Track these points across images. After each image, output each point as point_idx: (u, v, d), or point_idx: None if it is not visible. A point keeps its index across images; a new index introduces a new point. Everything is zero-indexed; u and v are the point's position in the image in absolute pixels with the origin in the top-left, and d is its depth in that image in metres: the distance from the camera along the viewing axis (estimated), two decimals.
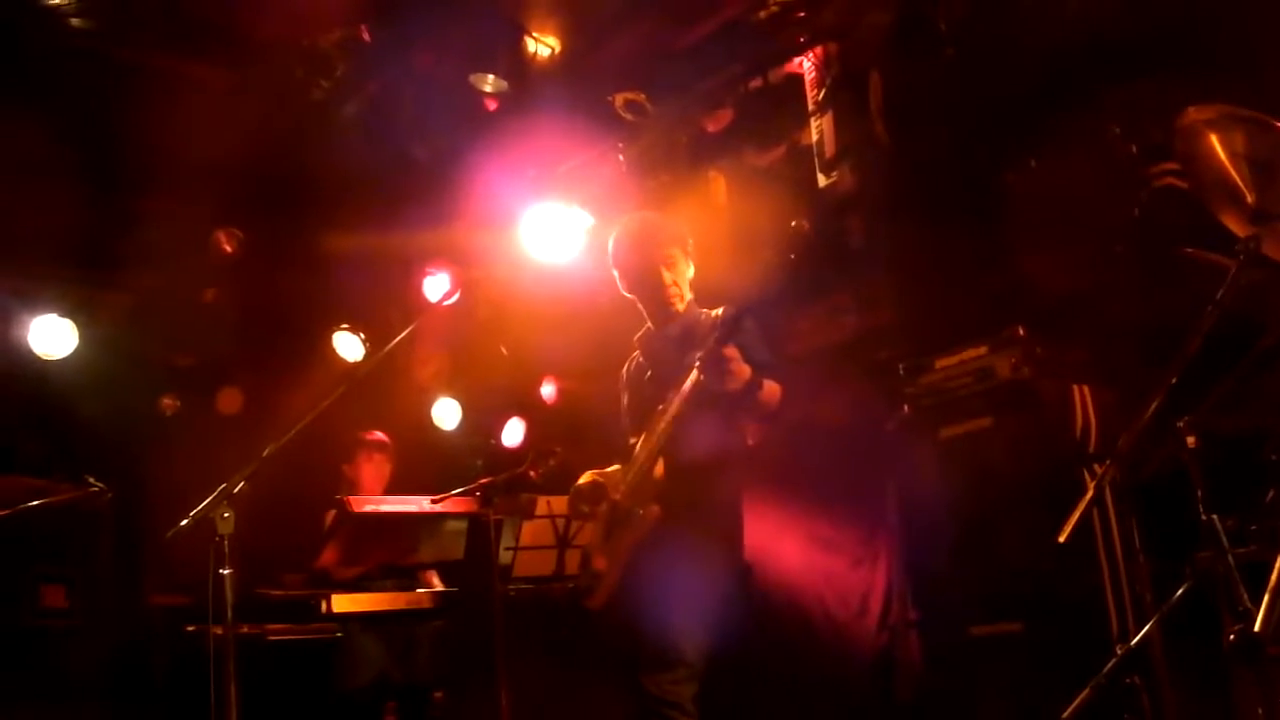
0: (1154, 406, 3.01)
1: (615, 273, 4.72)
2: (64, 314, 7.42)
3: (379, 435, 6.96)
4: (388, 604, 6.11)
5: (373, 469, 6.79)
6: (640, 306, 4.70)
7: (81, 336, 7.46)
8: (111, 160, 6.57)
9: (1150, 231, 4.96)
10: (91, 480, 5.48)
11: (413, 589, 6.31)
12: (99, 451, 6.98)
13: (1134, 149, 5.28)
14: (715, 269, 4.85)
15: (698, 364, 4.13)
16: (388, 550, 6.20)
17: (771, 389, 4.25)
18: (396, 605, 6.11)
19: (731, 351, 4.09)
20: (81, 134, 6.42)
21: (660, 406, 4.34)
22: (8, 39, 6.03)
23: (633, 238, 4.70)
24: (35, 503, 5.41)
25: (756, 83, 6.45)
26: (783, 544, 6.21)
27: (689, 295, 4.65)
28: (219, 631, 3.93)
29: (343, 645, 6.18)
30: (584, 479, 4.66)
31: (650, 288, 4.62)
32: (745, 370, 4.12)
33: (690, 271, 4.65)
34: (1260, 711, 3.13)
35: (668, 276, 4.57)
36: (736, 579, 4.41)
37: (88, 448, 7.01)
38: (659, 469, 4.30)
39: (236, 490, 3.98)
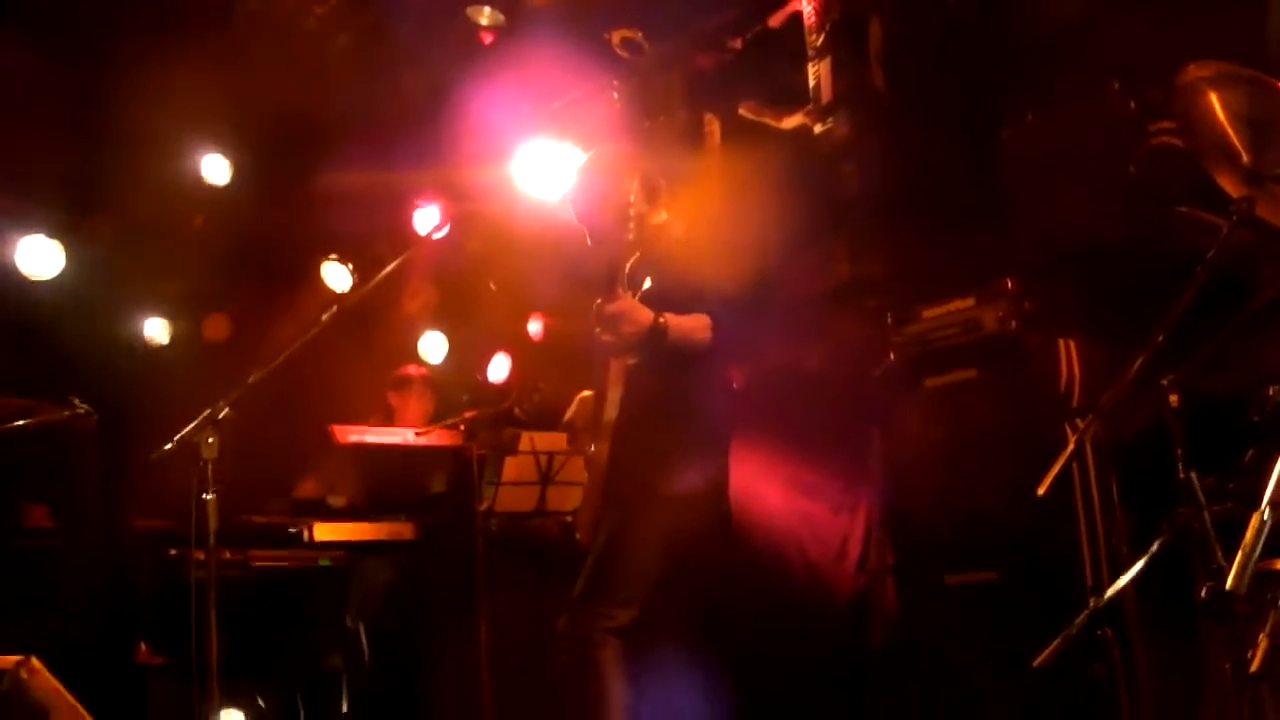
0: (1138, 364, 3.02)
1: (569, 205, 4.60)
2: (52, 235, 7.39)
3: (425, 370, 7.06)
4: (370, 534, 6.14)
5: (421, 404, 6.89)
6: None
7: (69, 258, 7.44)
8: (102, 86, 6.51)
9: (1145, 189, 4.96)
10: (77, 402, 5.47)
11: (397, 520, 6.34)
12: (85, 374, 6.97)
13: (1132, 105, 5.27)
14: (708, 214, 4.82)
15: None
16: (371, 481, 6.22)
17: (686, 326, 4.12)
18: (379, 536, 6.14)
19: (620, 305, 4.02)
20: (73, 59, 6.36)
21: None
22: None
23: (584, 170, 4.59)
24: (20, 422, 5.41)
25: (757, 26, 6.40)
26: (764, 488, 6.23)
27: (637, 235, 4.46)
28: (201, 556, 3.95)
29: (354, 575, 6.26)
30: (573, 407, 4.62)
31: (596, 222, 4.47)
32: (641, 320, 4.04)
33: (657, 214, 4.45)
34: (1228, 667, 3.17)
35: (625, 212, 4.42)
36: (693, 525, 4.23)
37: (74, 369, 7.00)
38: (610, 413, 4.22)
39: (221, 416, 4.00)
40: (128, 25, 6.33)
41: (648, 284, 4.21)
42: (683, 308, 4.16)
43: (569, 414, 4.60)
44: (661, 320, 4.06)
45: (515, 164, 6.70)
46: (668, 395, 4.21)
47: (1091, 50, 5.38)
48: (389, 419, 6.86)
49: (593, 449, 4.26)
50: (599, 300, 4.07)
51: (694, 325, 4.14)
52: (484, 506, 5.84)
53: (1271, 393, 3.52)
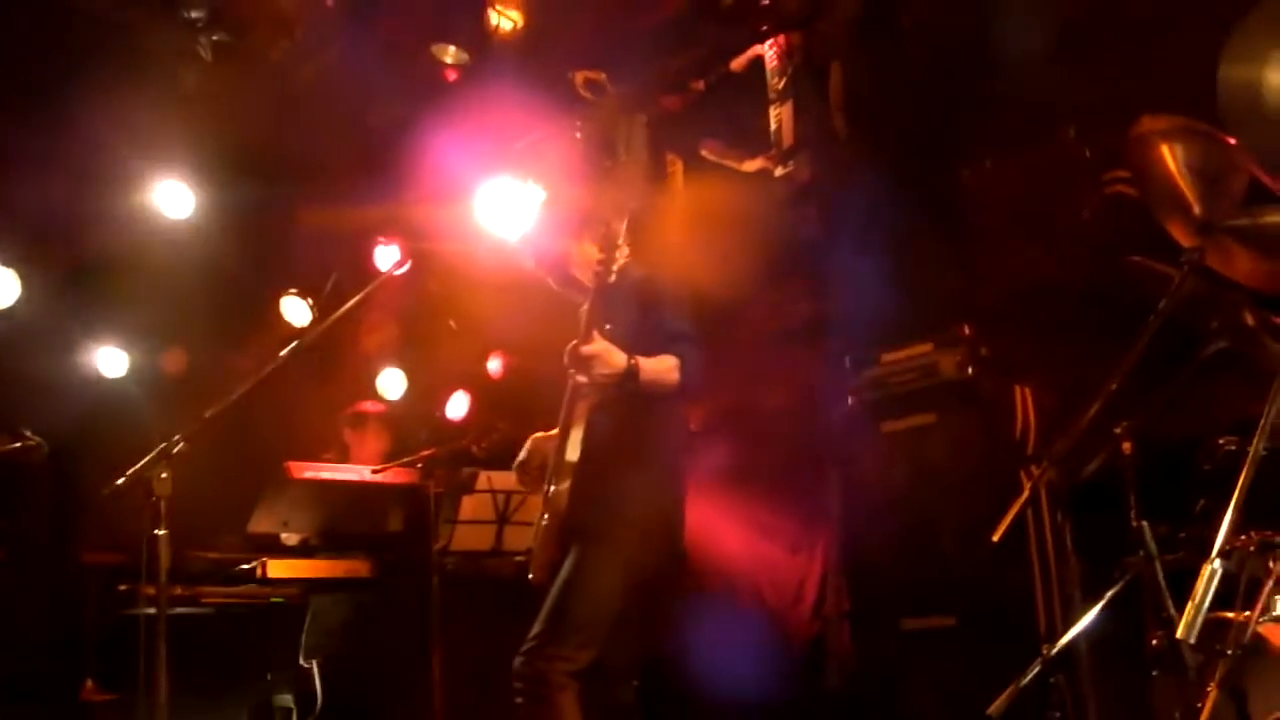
0: (1092, 411, 3.05)
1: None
2: (7, 264, 7.32)
3: (382, 407, 7.01)
4: (325, 572, 6.09)
5: (377, 442, 6.84)
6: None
7: (25, 287, 7.36)
8: (64, 116, 6.47)
9: (1099, 237, 5.02)
10: (28, 433, 5.40)
11: (352, 558, 6.29)
12: (37, 405, 6.89)
13: (1087, 153, 5.33)
14: (670, 253, 4.84)
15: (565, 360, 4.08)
16: (327, 518, 6.17)
17: (657, 369, 4.13)
18: (334, 573, 6.09)
19: (594, 348, 4.04)
20: (37, 90, 6.33)
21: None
22: None
23: (539, 216, 4.63)
24: None
25: (719, 69, 6.45)
26: (721, 528, 6.23)
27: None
28: (151, 591, 3.90)
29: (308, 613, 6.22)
30: (527, 447, 4.61)
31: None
32: (615, 363, 4.06)
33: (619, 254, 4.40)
34: (1177, 716, 3.18)
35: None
36: (648, 566, 4.20)
37: (26, 400, 6.92)
38: (572, 453, 4.21)
39: (175, 451, 3.95)
40: (93, 57, 6.31)
41: (608, 327, 4.21)
42: (646, 349, 4.17)
43: (521, 455, 4.57)
44: (634, 363, 4.08)
45: (477, 202, 6.70)
46: (627, 435, 4.20)
47: (1048, 96, 5.45)
48: (344, 455, 6.81)
49: (552, 489, 4.26)
50: (573, 342, 4.08)
51: (664, 367, 4.16)
52: (440, 545, 5.80)
53: (1222, 442, 3.56)
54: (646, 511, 4.18)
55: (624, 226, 4.34)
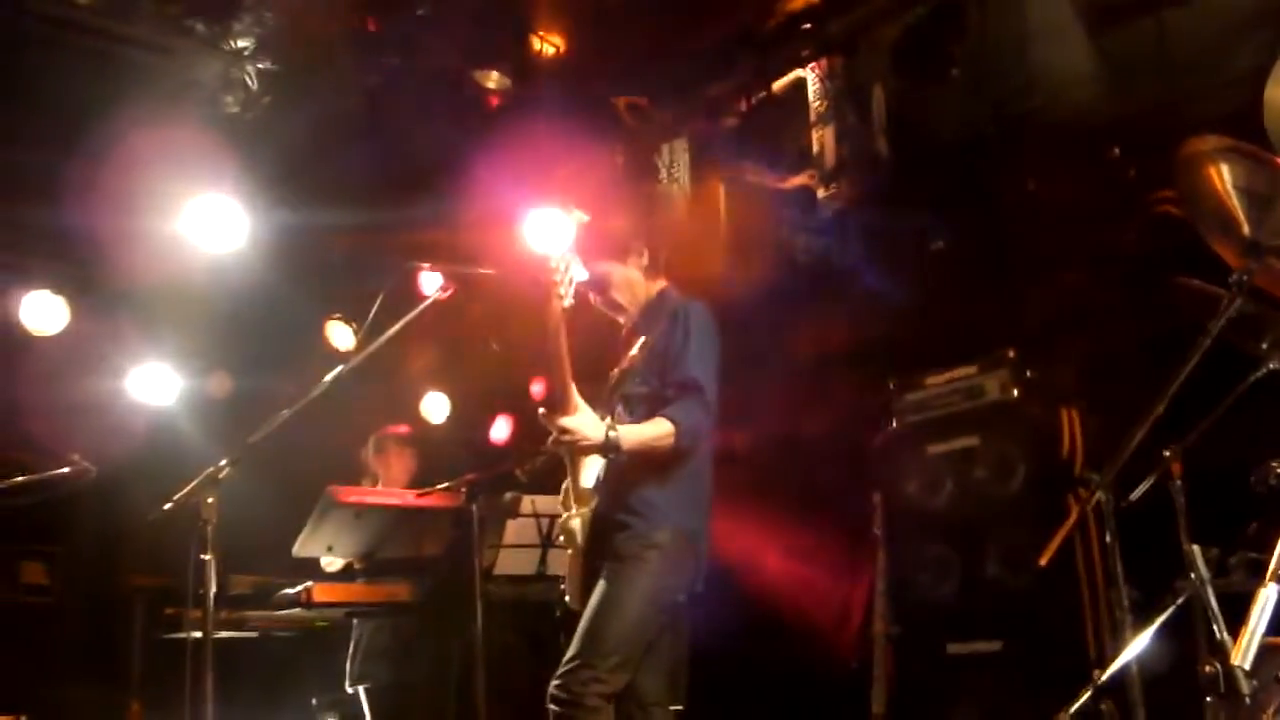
0: (1140, 433, 3.02)
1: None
2: (56, 290, 7.41)
3: (404, 428, 7.02)
4: (369, 596, 6.11)
5: (401, 462, 6.84)
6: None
7: (72, 313, 7.46)
8: (110, 146, 6.54)
9: (1145, 258, 4.98)
10: (76, 458, 5.45)
11: (395, 582, 6.31)
12: (85, 430, 6.96)
13: (1132, 173, 5.30)
14: (711, 277, 4.83)
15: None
16: (370, 542, 6.19)
17: (644, 436, 4.10)
18: (378, 598, 6.11)
19: (569, 422, 4.06)
20: (83, 119, 6.41)
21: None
22: None
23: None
24: (19, 479, 5.39)
25: (761, 93, 6.45)
26: (765, 552, 6.21)
27: (632, 298, 4.50)
28: (198, 615, 3.93)
29: (354, 638, 6.24)
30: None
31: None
32: (591, 436, 4.06)
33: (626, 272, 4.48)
34: None
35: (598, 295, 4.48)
36: (675, 588, 4.18)
37: (74, 425, 7.00)
38: (587, 479, 4.27)
39: (222, 475, 3.98)
40: (138, 85, 6.38)
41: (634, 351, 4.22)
42: (662, 399, 4.18)
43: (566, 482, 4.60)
44: (614, 434, 4.08)
45: (523, 227, 6.73)
46: (645, 458, 4.20)
47: (1091, 117, 5.42)
48: (375, 482, 6.81)
49: (569, 517, 4.28)
50: (541, 410, 4.12)
51: (652, 435, 4.11)
52: (484, 569, 5.81)
53: (1274, 464, 3.52)
54: (671, 533, 4.17)
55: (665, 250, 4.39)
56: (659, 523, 4.15)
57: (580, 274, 4.27)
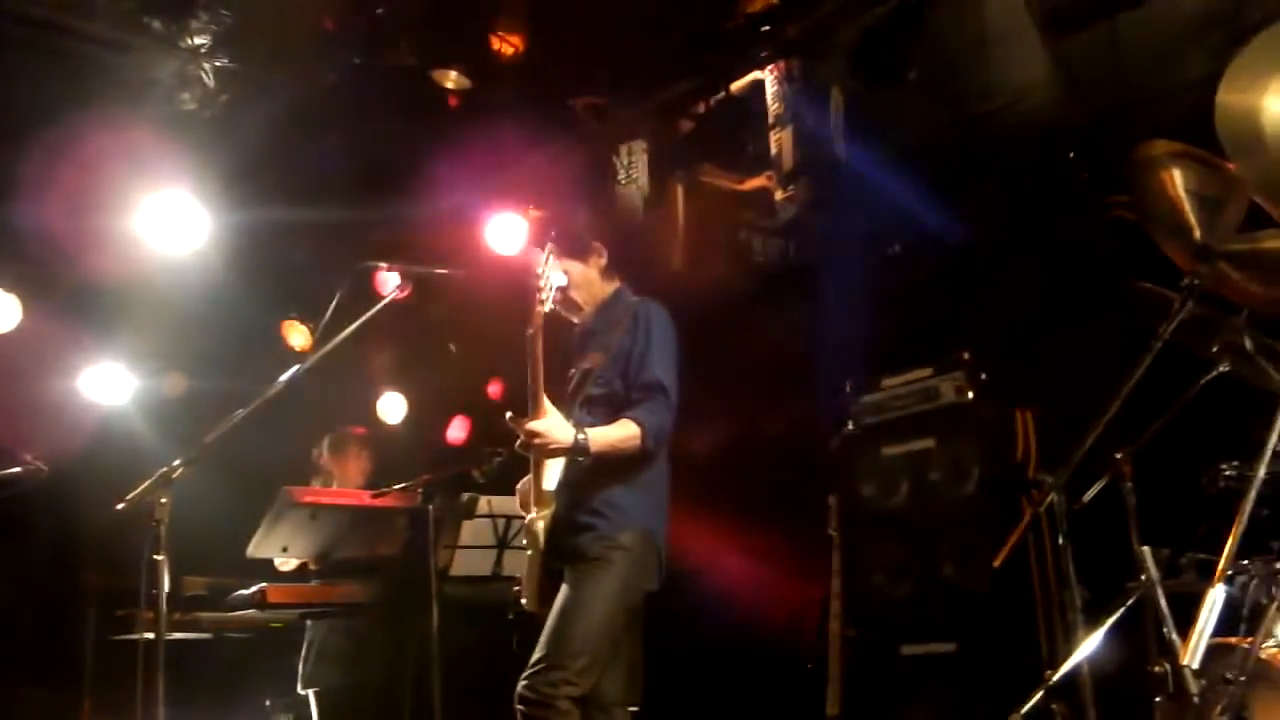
0: (1093, 436, 3.04)
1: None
2: (9, 289, 7.33)
3: (361, 429, 6.97)
4: (324, 597, 6.07)
5: (358, 463, 6.80)
6: None
7: (26, 312, 7.38)
8: (65, 143, 6.48)
9: (1100, 261, 5.02)
10: (28, 458, 5.40)
11: (350, 583, 6.27)
12: (38, 429, 6.89)
13: (1087, 176, 5.34)
14: (669, 278, 4.84)
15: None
16: (326, 543, 6.15)
17: (611, 438, 4.13)
18: (333, 598, 6.07)
19: (538, 425, 4.05)
20: (38, 116, 6.35)
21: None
22: None
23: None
24: None
25: (719, 95, 6.46)
26: (722, 553, 6.22)
27: (589, 297, 4.50)
28: (150, 616, 3.89)
29: (307, 640, 6.20)
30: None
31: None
32: (560, 439, 4.06)
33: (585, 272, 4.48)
34: None
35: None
36: (638, 589, 4.19)
37: (27, 425, 6.92)
38: (549, 481, 4.23)
39: (176, 476, 3.94)
40: (94, 83, 6.33)
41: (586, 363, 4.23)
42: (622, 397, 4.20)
43: (522, 482, 4.59)
44: (582, 437, 4.09)
45: (480, 227, 6.72)
46: (607, 461, 4.20)
47: (1047, 120, 5.46)
48: (327, 482, 6.76)
49: (531, 519, 4.28)
50: (509, 414, 4.11)
51: (620, 436, 4.14)
52: (440, 570, 5.79)
53: (1223, 466, 3.55)
54: (636, 534, 4.17)
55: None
56: (624, 524, 4.17)
57: (559, 279, 4.28)
